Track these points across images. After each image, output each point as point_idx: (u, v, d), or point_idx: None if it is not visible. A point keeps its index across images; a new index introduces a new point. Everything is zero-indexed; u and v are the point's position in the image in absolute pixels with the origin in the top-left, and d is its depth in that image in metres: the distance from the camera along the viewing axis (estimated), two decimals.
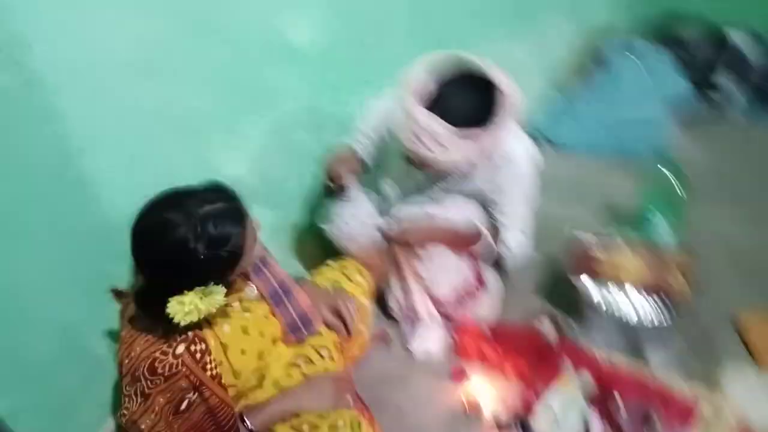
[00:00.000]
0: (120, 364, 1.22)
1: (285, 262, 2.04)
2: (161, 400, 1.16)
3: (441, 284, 1.74)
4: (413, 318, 1.82)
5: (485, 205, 1.71)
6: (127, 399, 1.18)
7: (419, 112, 1.37)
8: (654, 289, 1.69)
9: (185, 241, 1.09)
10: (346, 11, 1.85)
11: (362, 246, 1.77)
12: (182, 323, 1.12)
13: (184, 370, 1.15)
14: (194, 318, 1.12)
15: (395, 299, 1.84)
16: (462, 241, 1.68)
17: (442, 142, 1.37)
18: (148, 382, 1.15)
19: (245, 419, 1.28)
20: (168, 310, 1.11)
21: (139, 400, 1.16)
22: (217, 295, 1.15)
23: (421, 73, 1.41)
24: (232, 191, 1.20)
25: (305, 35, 1.80)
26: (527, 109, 2.68)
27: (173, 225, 1.10)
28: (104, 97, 1.36)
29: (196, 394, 1.18)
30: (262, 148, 1.85)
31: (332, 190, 1.71)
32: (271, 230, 1.97)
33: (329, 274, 1.70)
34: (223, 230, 1.13)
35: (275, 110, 1.84)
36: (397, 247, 1.72)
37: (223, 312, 1.27)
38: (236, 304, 1.35)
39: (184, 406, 1.18)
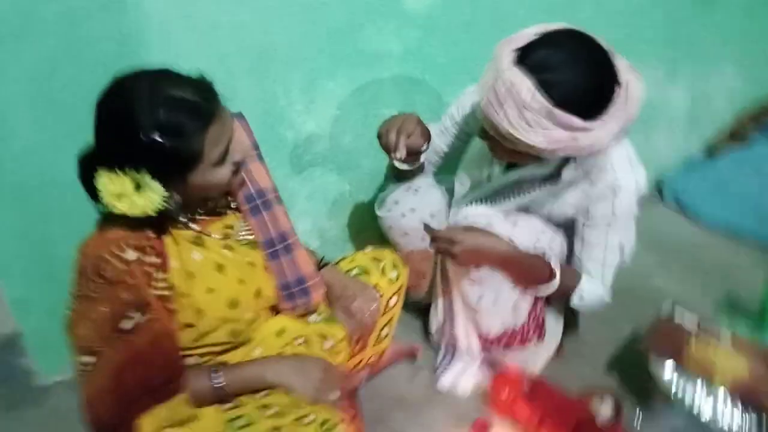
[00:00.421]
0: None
1: (335, 241, 1.90)
2: (102, 309, 1.00)
3: (491, 320, 1.46)
4: (452, 347, 1.57)
5: (569, 237, 1.42)
6: (72, 300, 1.04)
7: (511, 70, 1.10)
8: (750, 399, 1.32)
9: (131, 111, 0.96)
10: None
11: (416, 247, 1.54)
12: (113, 208, 0.97)
13: (128, 279, 1.00)
14: (125, 208, 0.98)
15: (437, 320, 1.59)
16: (527, 276, 1.38)
17: (528, 117, 1.10)
18: (91, 285, 1.01)
19: (216, 372, 1.12)
20: (96, 183, 0.97)
21: (81, 303, 1.02)
22: (153, 193, 0.99)
23: (532, 34, 1.15)
24: (213, 90, 1.04)
25: (422, 3, 1.62)
26: (664, 160, 2.37)
27: (131, 91, 0.97)
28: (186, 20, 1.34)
29: (141, 314, 1.02)
30: (342, 111, 1.70)
31: (397, 170, 1.47)
32: (331, 201, 1.84)
33: (360, 260, 1.47)
34: (175, 119, 0.97)
35: (365, 75, 1.68)
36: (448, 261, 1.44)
37: (197, 238, 1.13)
38: (216, 235, 1.17)
39: (125, 324, 1.01)
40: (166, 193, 1.00)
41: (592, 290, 1.40)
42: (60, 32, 1.28)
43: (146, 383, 1.03)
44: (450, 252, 1.29)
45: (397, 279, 1.45)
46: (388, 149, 1.32)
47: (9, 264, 1.44)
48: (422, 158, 1.46)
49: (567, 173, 1.29)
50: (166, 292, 1.06)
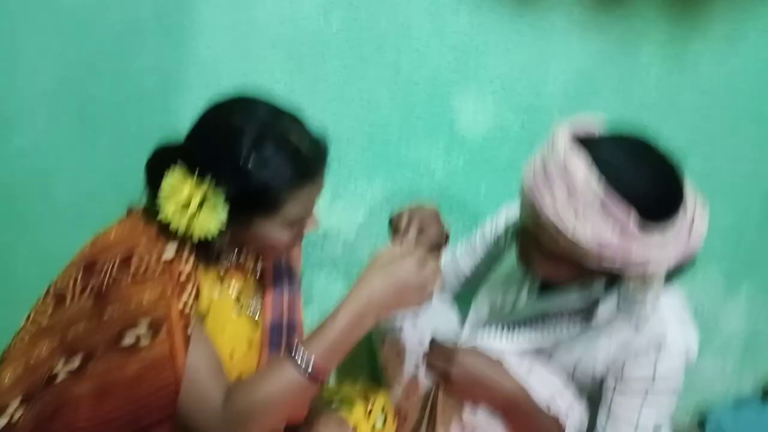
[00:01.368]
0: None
1: None
2: (111, 308, 0.85)
3: None
4: None
5: (591, 411, 1.15)
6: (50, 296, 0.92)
7: (569, 149, 0.94)
8: None
9: (242, 129, 0.89)
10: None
11: (406, 376, 1.28)
12: (165, 213, 0.88)
13: (158, 278, 0.87)
14: (173, 214, 0.88)
15: None
16: (530, 427, 1.09)
17: (578, 205, 0.91)
18: (107, 280, 0.87)
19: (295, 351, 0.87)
20: (165, 179, 0.88)
21: (83, 295, 0.88)
22: (214, 218, 0.89)
23: (596, 123, 1.01)
24: (326, 154, 0.98)
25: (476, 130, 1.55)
26: (709, 390, 2.06)
27: (254, 112, 0.92)
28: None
29: (150, 333, 0.85)
30: (366, 219, 1.58)
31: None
32: (328, 312, 1.60)
33: (347, 392, 1.25)
34: (278, 160, 0.89)
35: (402, 188, 1.57)
36: (441, 387, 1.13)
37: (217, 280, 1.00)
38: (232, 292, 1.02)
39: (127, 339, 0.85)
40: (223, 225, 0.90)
41: None
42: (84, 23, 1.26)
43: (130, 418, 0.85)
44: (445, 372, 1.04)
45: (382, 429, 1.21)
46: (396, 233, 1.13)
47: None
48: None
49: (604, 310, 1.06)
50: (191, 312, 0.89)
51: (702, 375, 2.04)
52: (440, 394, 1.15)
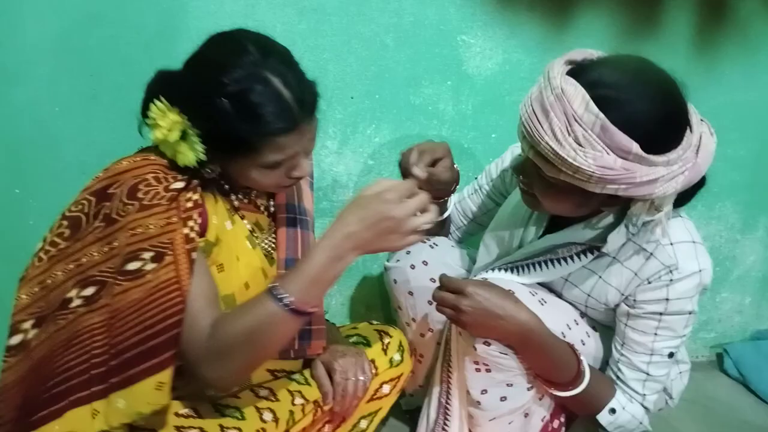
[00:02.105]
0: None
1: (336, 312, 1.67)
2: (121, 236, 0.88)
3: (493, 428, 1.16)
4: None
5: (605, 345, 1.15)
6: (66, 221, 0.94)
7: (564, 79, 0.91)
8: None
9: (225, 68, 0.88)
10: None
11: (420, 316, 1.28)
12: (152, 135, 0.91)
13: (166, 206, 0.88)
14: (166, 148, 0.91)
15: (427, 422, 1.26)
16: (549, 364, 1.08)
17: (578, 132, 0.89)
18: (117, 207, 0.89)
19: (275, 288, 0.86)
20: (151, 107, 0.90)
21: (95, 220, 0.90)
22: (192, 152, 0.91)
23: (594, 53, 0.98)
24: (314, 102, 0.95)
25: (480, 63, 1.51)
26: (728, 325, 2.05)
27: (242, 50, 0.89)
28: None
29: (155, 262, 0.86)
30: (375, 162, 1.57)
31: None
32: None
33: (364, 330, 1.27)
34: (257, 106, 0.87)
35: (410, 131, 1.55)
36: (453, 322, 1.11)
37: (231, 210, 1.03)
38: (245, 226, 1.06)
39: (133, 265, 0.86)
40: (204, 157, 0.92)
41: (628, 407, 1.09)
42: None
43: (139, 340, 0.85)
44: (457, 307, 1.03)
45: (399, 365, 1.21)
46: (406, 169, 1.12)
47: None
48: (448, 209, 1.26)
49: (614, 239, 1.04)
50: (197, 237, 0.91)
51: (720, 309, 2.03)
52: (453, 331, 1.15)
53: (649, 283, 1.05)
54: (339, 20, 1.40)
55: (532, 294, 1.11)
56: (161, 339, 0.84)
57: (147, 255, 0.86)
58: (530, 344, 1.05)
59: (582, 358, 1.08)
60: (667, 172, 0.91)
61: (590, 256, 1.08)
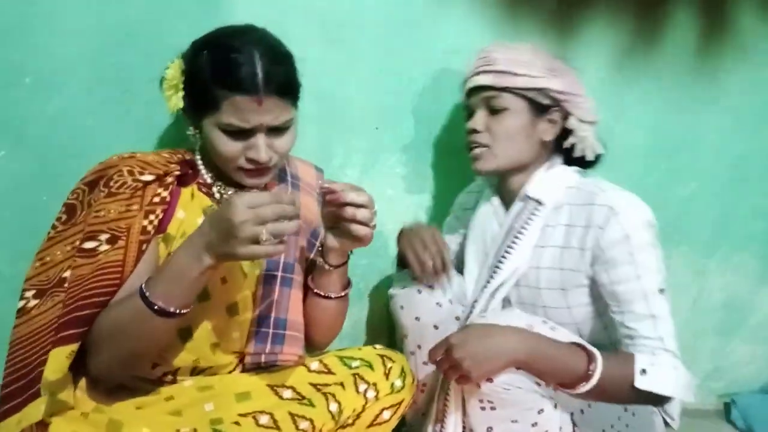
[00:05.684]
0: None
1: (342, 336, 1.63)
2: (89, 218, 0.99)
3: None
4: None
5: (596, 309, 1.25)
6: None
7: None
8: None
9: (221, 32, 1.06)
10: None
11: (426, 342, 1.29)
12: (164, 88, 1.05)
13: (130, 194, 1.00)
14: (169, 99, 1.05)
15: None
16: (559, 372, 1.09)
17: (527, 60, 1.23)
18: (95, 194, 1.01)
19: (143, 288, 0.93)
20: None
21: (85, 210, 1.02)
22: (177, 100, 1.04)
23: None
24: (282, 80, 1.04)
25: None
26: (740, 374, 2.03)
27: (239, 29, 1.06)
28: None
29: (108, 244, 0.97)
30: (395, 192, 1.60)
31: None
32: None
33: (367, 353, 1.27)
34: (233, 59, 1.00)
35: (434, 167, 1.58)
36: (458, 381, 1.15)
37: (210, 208, 1.09)
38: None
39: (89, 244, 0.97)
40: (181, 104, 1.04)
41: (656, 361, 1.09)
42: None
43: (69, 310, 0.93)
44: (454, 362, 1.07)
45: (401, 391, 1.22)
46: (435, 272, 1.25)
47: None
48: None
49: (553, 188, 1.26)
50: (153, 232, 1.01)
51: (730, 358, 2.01)
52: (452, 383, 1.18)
53: (602, 229, 1.14)
54: (369, 53, 1.45)
55: (544, 322, 1.19)
56: (84, 313, 0.92)
57: (103, 237, 0.96)
58: (535, 363, 1.08)
59: (584, 342, 1.12)
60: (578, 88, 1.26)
61: (538, 214, 1.25)
